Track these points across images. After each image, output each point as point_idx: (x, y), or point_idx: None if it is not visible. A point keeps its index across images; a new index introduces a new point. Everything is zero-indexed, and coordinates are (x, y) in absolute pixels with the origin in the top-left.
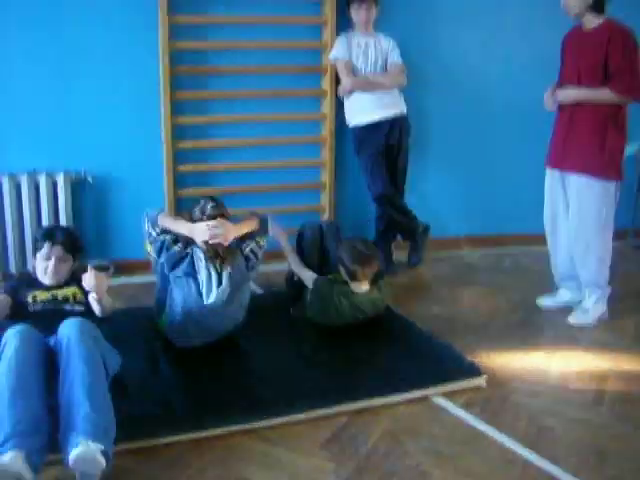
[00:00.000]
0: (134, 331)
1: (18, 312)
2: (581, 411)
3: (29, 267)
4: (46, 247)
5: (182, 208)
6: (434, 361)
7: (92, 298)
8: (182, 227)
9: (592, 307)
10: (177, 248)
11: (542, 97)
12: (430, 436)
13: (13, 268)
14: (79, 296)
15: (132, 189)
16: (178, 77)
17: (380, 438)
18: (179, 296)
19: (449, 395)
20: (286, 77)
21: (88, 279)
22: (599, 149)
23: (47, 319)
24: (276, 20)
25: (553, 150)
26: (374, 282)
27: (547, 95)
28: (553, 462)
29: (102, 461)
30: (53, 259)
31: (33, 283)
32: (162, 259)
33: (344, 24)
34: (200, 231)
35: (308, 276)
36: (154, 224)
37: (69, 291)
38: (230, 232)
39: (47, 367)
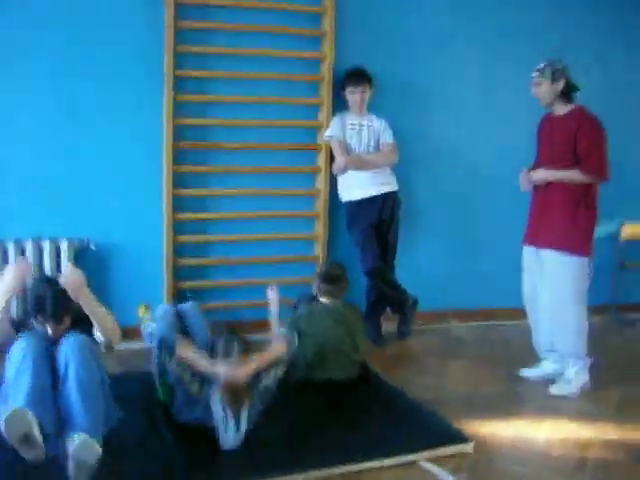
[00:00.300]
0: (135, 395)
1: None
2: (563, 478)
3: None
4: (40, 321)
5: (181, 277)
6: (423, 428)
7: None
8: (202, 365)
9: (574, 377)
10: (195, 389)
11: None
12: None
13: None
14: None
15: (133, 257)
16: (180, 151)
17: None
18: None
19: (437, 460)
20: (283, 154)
21: (64, 274)
22: (571, 226)
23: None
24: (275, 100)
25: (528, 227)
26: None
27: (522, 176)
28: None
29: (99, 449)
30: (50, 328)
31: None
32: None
33: (339, 105)
34: (220, 373)
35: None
36: (171, 352)
37: None
38: (249, 371)
39: (50, 363)
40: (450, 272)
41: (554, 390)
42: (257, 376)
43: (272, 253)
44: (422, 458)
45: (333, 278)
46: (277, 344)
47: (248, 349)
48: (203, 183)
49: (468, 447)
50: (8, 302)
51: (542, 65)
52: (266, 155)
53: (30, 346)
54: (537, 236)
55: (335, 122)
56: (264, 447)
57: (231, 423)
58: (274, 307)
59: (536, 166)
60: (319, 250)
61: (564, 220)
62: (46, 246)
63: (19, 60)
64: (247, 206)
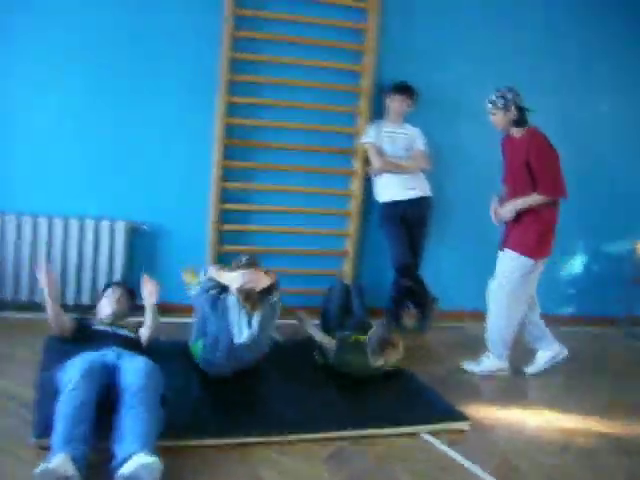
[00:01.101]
0: (174, 358)
1: (82, 333)
2: (548, 457)
3: (84, 301)
4: (110, 289)
5: (224, 262)
6: (427, 406)
7: (145, 328)
8: (222, 277)
9: (487, 361)
10: (213, 292)
11: None
12: (415, 461)
13: (70, 300)
14: (133, 329)
15: (180, 240)
16: (229, 148)
17: (373, 459)
18: (213, 330)
19: (436, 434)
20: (323, 156)
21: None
22: (523, 231)
23: (106, 338)
24: (317, 107)
25: (501, 237)
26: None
27: (492, 212)
28: None
29: (160, 466)
30: (117, 295)
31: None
32: (204, 298)
33: (376, 115)
34: (235, 279)
35: (328, 340)
36: (205, 271)
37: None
38: (260, 280)
39: (103, 393)
40: (469, 275)
41: (466, 366)
42: (266, 290)
43: (308, 246)
44: (424, 431)
45: (383, 346)
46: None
47: (254, 262)
48: (248, 178)
49: (465, 425)
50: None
51: (494, 97)
52: (307, 156)
53: (82, 372)
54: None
55: (372, 128)
56: (285, 407)
57: (244, 321)
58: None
59: (503, 182)
60: (350, 246)
61: (520, 227)
62: (105, 226)
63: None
64: (287, 202)
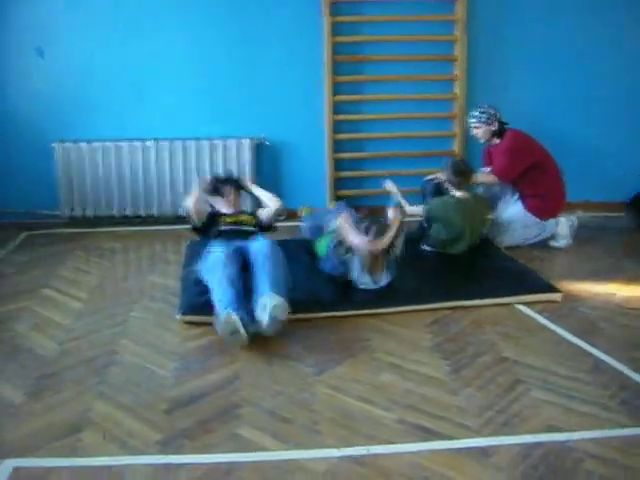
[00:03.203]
0: (299, 255)
1: (212, 229)
2: (631, 320)
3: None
4: (226, 189)
5: (338, 169)
6: (522, 280)
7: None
8: (349, 236)
9: (559, 233)
10: (341, 252)
11: None
12: (505, 325)
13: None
14: (252, 221)
15: (299, 152)
16: (338, 64)
17: (467, 324)
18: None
19: (529, 304)
20: (425, 64)
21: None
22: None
23: (233, 234)
24: (420, 18)
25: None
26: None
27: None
28: (592, 345)
29: (287, 307)
30: (232, 195)
31: (221, 213)
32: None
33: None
34: (361, 247)
35: (420, 208)
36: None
37: (246, 217)
38: (386, 244)
39: (241, 265)
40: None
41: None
42: (390, 246)
43: (416, 149)
44: (517, 302)
45: (461, 172)
46: (394, 213)
47: (384, 229)
48: (357, 91)
49: (557, 296)
50: (198, 196)
51: (477, 112)
52: (411, 66)
53: (226, 259)
54: None
55: None
56: (393, 288)
57: (366, 278)
58: (395, 194)
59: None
60: (456, 146)
61: None
62: (232, 143)
63: None
64: (395, 109)
